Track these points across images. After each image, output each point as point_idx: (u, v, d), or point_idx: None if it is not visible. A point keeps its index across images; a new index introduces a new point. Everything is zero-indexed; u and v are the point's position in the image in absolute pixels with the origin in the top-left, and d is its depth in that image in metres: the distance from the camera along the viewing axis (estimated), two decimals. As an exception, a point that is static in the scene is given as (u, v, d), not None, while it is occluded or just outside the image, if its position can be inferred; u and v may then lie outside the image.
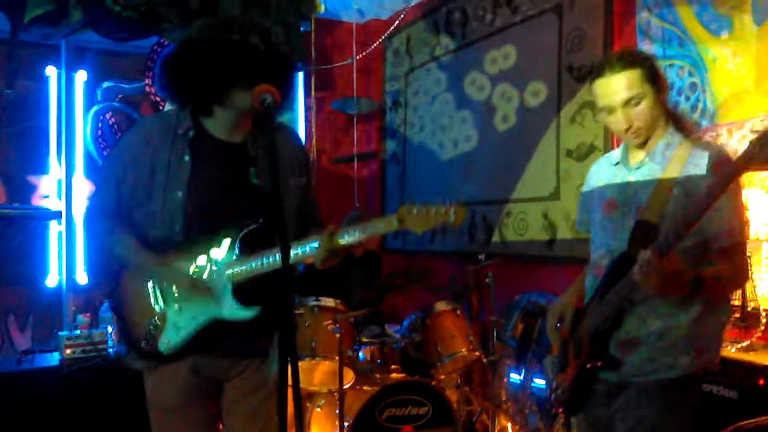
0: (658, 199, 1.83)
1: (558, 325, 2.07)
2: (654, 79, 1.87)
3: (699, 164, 1.82)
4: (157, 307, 1.91)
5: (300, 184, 2.03)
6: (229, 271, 1.85)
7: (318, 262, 1.81)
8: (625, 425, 1.87)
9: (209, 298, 1.85)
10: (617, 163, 2.01)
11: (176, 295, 1.89)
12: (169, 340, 1.88)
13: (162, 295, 1.91)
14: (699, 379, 1.90)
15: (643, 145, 1.93)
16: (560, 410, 2.03)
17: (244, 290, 1.85)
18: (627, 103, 1.85)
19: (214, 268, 1.86)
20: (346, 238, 1.78)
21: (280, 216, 1.52)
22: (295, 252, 1.81)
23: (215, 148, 1.92)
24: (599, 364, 1.90)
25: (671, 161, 1.86)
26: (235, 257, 1.85)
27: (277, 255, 1.76)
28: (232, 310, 1.85)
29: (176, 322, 1.88)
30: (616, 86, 1.85)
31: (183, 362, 1.91)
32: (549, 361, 2.11)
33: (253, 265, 1.83)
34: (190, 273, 1.88)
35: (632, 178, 1.93)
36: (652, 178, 1.88)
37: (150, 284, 1.92)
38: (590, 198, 2.10)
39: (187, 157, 1.88)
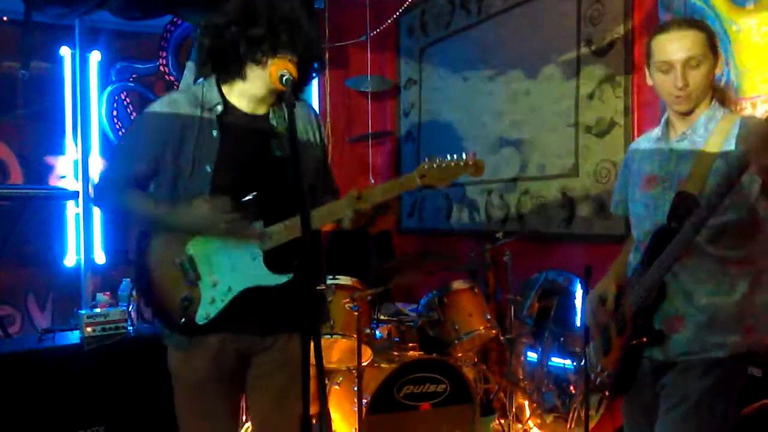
0: (699, 170, 1.81)
1: (598, 307, 2.05)
2: (713, 49, 1.86)
3: (742, 138, 1.79)
4: (193, 281, 1.90)
5: (316, 155, 2.07)
6: (260, 240, 1.88)
7: (346, 222, 1.88)
8: (668, 402, 1.85)
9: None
10: (658, 139, 1.98)
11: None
12: (208, 313, 1.89)
13: (194, 268, 1.91)
14: (746, 359, 1.88)
15: (686, 115, 1.90)
16: (606, 393, 2.02)
17: (275, 257, 1.89)
18: (687, 62, 1.82)
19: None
20: (371, 198, 1.86)
21: (300, 186, 1.57)
22: (321, 214, 1.87)
23: (242, 122, 1.95)
24: (645, 340, 1.87)
25: (713, 134, 1.83)
26: (261, 226, 1.89)
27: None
28: (265, 277, 1.88)
29: (212, 294, 1.90)
30: (681, 43, 1.82)
31: (210, 339, 1.92)
32: (592, 347, 2.09)
33: (282, 232, 1.87)
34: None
35: (674, 151, 1.91)
36: (694, 149, 1.86)
37: (180, 260, 1.92)
38: (628, 177, 2.08)
39: (215, 132, 1.91)
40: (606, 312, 2.02)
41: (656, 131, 2.02)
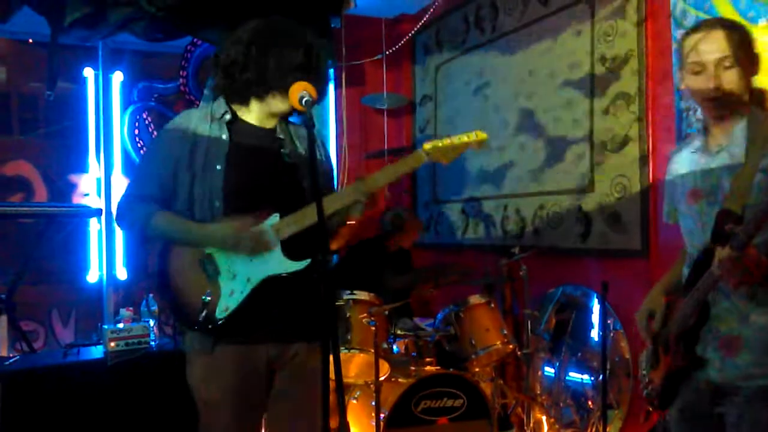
0: (740, 185, 1.70)
1: (648, 322, 1.99)
2: (748, 52, 1.77)
3: None
4: (213, 276, 1.94)
5: (325, 171, 2.16)
6: (275, 231, 1.93)
7: (358, 208, 1.94)
8: (737, 430, 1.74)
9: (266, 247, 1.91)
10: (696, 151, 1.87)
11: (235, 253, 1.92)
12: (227, 306, 1.92)
13: (214, 264, 1.95)
14: None
15: (723, 122, 1.80)
16: (656, 404, 1.96)
17: (292, 245, 1.94)
18: (719, 63, 1.73)
19: (260, 229, 1.94)
20: (381, 179, 1.92)
21: (317, 188, 1.64)
22: (330, 200, 1.91)
23: (250, 129, 2.05)
24: (686, 363, 1.81)
25: (753, 143, 1.72)
26: (277, 219, 1.94)
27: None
28: (283, 265, 1.93)
29: (231, 287, 1.93)
30: (714, 43, 1.74)
31: (230, 349, 1.95)
32: (644, 355, 2.02)
33: (297, 220, 1.92)
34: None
35: (714, 164, 1.80)
36: (734, 163, 1.75)
37: (199, 258, 1.96)
38: (673, 188, 1.99)
39: (224, 135, 2.01)
40: (653, 327, 1.96)
41: (695, 141, 1.91)
